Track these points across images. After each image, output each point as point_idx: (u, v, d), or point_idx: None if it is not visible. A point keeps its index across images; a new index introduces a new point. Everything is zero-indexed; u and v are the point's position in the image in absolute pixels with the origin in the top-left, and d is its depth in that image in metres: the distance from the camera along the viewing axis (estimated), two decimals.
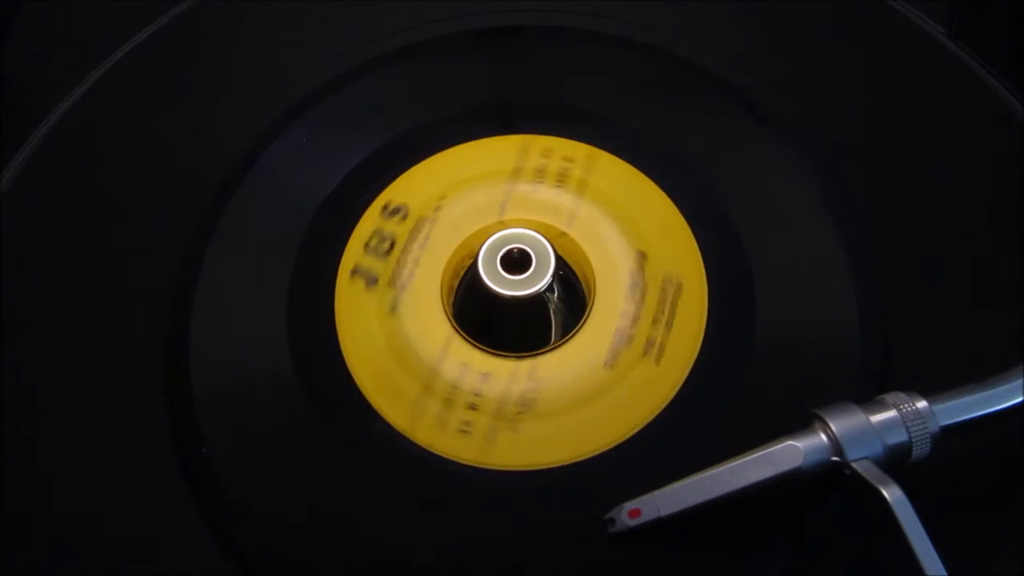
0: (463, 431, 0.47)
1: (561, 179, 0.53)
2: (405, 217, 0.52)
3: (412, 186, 0.53)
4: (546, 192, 0.53)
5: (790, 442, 0.41)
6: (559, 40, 0.58)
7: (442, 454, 0.46)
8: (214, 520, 0.46)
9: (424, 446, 0.47)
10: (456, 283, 0.52)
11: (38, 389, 0.49)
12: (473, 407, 0.48)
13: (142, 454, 0.47)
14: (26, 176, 0.55)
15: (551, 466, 0.46)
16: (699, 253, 0.51)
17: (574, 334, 0.49)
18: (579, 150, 0.54)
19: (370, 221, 0.52)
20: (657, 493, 0.42)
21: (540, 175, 0.53)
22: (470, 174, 0.53)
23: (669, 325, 0.49)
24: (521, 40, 0.59)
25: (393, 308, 0.50)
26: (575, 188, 0.53)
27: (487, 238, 0.50)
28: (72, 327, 0.50)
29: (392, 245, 0.51)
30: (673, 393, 0.47)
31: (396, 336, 0.49)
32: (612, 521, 0.43)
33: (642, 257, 0.51)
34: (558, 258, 0.50)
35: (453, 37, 0.58)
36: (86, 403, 0.48)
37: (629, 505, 0.43)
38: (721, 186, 0.53)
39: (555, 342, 0.50)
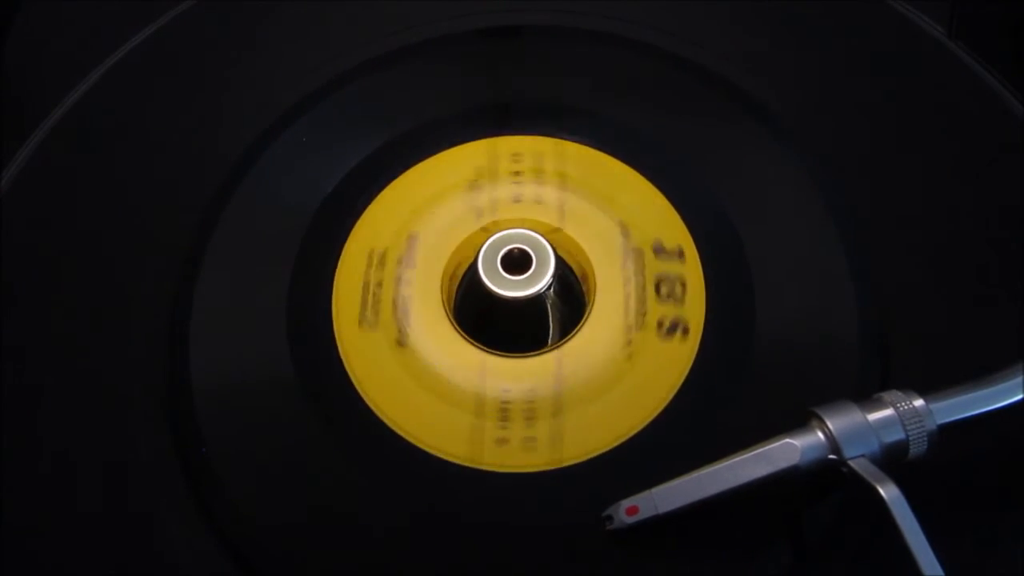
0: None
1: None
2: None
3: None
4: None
5: (787, 440, 0.41)
6: (559, 40, 0.58)
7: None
8: (214, 520, 0.46)
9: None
10: (455, 287, 0.52)
11: (38, 389, 0.49)
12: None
13: (142, 454, 0.47)
14: (26, 176, 0.55)
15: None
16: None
17: (576, 331, 0.49)
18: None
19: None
20: (655, 490, 0.42)
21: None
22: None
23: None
24: (521, 40, 0.59)
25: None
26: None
27: (484, 241, 0.50)
28: (72, 327, 0.50)
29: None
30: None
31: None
32: (609, 519, 0.43)
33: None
34: (558, 258, 0.50)
35: (453, 37, 0.58)
36: (86, 403, 0.48)
37: (626, 502, 0.43)
38: (720, 186, 0.53)
39: (556, 341, 0.50)
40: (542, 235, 0.50)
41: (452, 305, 0.51)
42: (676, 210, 0.52)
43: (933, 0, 0.58)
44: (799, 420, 0.43)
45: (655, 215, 0.52)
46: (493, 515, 0.45)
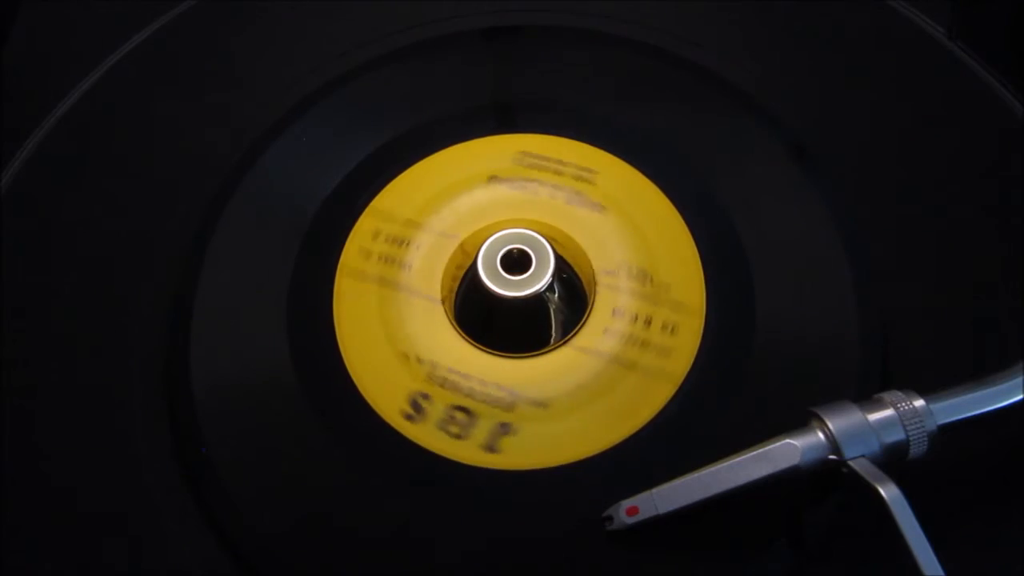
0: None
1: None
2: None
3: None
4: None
5: (788, 440, 0.41)
6: (559, 40, 0.58)
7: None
8: (214, 520, 0.46)
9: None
10: (456, 284, 0.52)
11: (38, 389, 0.49)
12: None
13: (142, 454, 0.47)
14: (26, 176, 0.55)
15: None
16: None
17: (576, 332, 0.49)
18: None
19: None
20: (655, 491, 0.42)
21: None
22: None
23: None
24: (521, 40, 0.59)
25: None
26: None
27: (485, 239, 0.50)
28: (72, 327, 0.50)
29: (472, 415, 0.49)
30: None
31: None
32: (610, 519, 0.43)
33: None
34: (558, 258, 0.50)
35: (453, 37, 0.58)
36: (86, 403, 0.48)
37: (627, 503, 0.43)
38: (720, 186, 0.53)
39: (556, 341, 0.50)
40: (542, 235, 0.50)
41: (454, 307, 0.51)
42: (676, 209, 0.52)
43: (933, 0, 0.58)
44: (799, 420, 0.43)
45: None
46: (496, 515, 0.45)
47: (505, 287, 0.49)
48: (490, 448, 0.47)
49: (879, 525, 0.39)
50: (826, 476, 0.42)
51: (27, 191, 0.54)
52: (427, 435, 0.47)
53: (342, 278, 0.51)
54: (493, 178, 0.53)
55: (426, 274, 0.51)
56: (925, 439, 0.41)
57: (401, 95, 0.56)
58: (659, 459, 0.45)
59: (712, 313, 0.49)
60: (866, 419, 0.41)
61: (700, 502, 0.42)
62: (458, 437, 0.47)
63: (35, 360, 0.50)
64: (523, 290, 0.49)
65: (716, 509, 0.42)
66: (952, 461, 0.43)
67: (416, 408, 0.48)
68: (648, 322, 0.49)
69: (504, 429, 0.47)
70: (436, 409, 0.48)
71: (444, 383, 0.48)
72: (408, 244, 0.52)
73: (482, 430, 0.47)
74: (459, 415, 0.48)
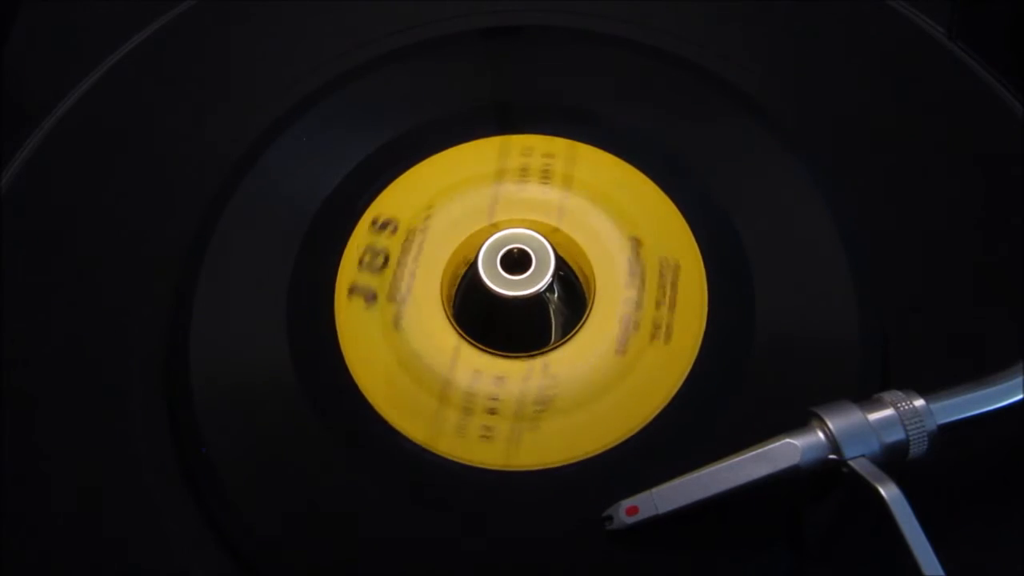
0: (485, 436, 0.47)
1: (547, 176, 0.53)
2: (395, 230, 0.52)
3: (400, 196, 0.53)
4: (534, 190, 0.53)
5: (787, 440, 0.41)
6: (558, 40, 0.58)
7: (466, 461, 0.47)
8: (214, 520, 0.46)
9: (446, 455, 0.47)
10: (455, 288, 0.52)
11: (38, 389, 0.49)
12: (492, 411, 0.48)
13: (142, 454, 0.47)
14: (26, 176, 0.55)
15: (554, 465, 0.46)
16: (699, 253, 0.51)
17: (580, 327, 0.49)
18: (560, 146, 0.54)
19: (363, 231, 0.52)
20: (655, 490, 0.42)
21: (525, 174, 0.53)
22: (457, 179, 0.53)
23: (672, 307, 0.50)
24: (520, 40, 0.59)
25: (396, 324, 0.50)
26: (563, 184, 0.53)
27: (482, 241, 0.50)
28: (72, 327, 0.50)
29: (386, 260, 0.51)
30: (673, 392, 0.47)
31: (404, 351, 0.49)
32: (610, 519, 0.43)
33: (637, 245, 0.51)
34: (558, 258, 0.50)
35: (453, 37, 0.58)
36: (86, 402, 0.48)
37: (627, 503, 0.43)
38: (722, 187, 0.53)
39: (563, 337, 0.50)
40: (542, 235, 0.50)
41: (452, 302, 0.51)
42: (676, 208, 0.52)
43: (933, 0, 0.58)
44: (799, 420, 0.43)
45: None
46: (492, 514, 0.45)
47: (505, 287, 0.49)
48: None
49: (879, 525, 0.39)
50: (826, 476, 0.42)
51: (27, 191, 0.54)
52: (348, 268, 0.51)
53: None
54: (634, 240, 0.52)
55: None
56: (925, 439, 0.41)
57: (401, 95, 0.56)
58: (659, 459, 0.45)
59: (712, 313, 0.49)
60: (866, 419, 0.41)
61: (700, 502, 0.42)
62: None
63: (35, 360, 0.50)
64: (523, 289, 0.49)
65: (716, 509, 0.42)
66: (952, 461, 0.43)
67: (367, 258, 0.51)
68: (516, 419, 0.48)
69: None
70: (368, 279, 0.51)
71: (395, 271, 0.51)
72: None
73: (367, 316, 0.49)
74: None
